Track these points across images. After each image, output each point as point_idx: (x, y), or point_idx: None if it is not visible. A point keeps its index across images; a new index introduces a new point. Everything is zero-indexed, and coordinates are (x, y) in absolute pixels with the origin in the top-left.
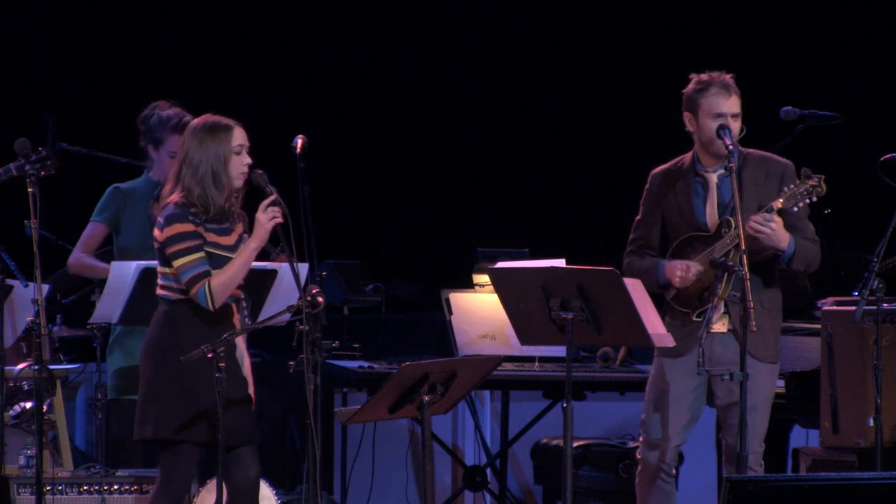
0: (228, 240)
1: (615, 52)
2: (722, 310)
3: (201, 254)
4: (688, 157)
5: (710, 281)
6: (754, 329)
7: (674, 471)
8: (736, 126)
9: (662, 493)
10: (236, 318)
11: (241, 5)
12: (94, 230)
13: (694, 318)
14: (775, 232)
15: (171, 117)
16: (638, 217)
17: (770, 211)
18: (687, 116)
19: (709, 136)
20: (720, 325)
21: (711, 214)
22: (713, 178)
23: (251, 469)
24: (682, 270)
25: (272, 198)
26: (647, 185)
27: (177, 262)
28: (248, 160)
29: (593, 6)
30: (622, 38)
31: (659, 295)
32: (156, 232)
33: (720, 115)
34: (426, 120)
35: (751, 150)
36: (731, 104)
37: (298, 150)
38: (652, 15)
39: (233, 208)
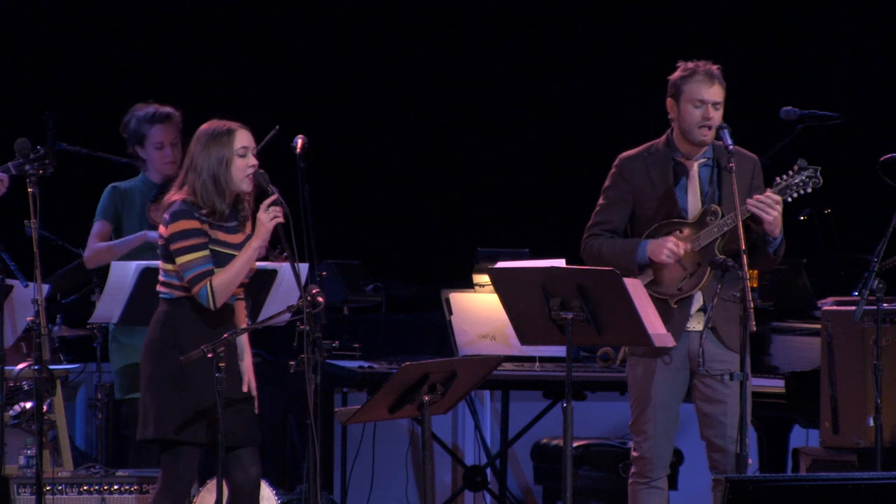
0: (236, 238)
1: (616, 52)
2: (699, 304)
3: (205, 252)
4: (660, 142)
5: (692, 268)
6: (754, 329)
7: (668, 469)
8: (717, 116)
9: (656, 489)
10: (241, 317)
11: (242, 5)
12: (101, 228)
13: (672, 306)
14: (778, 217)
15: (148, 112)
16: (602, 202)
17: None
18: (669, 103)
19: (688, 124)
20: (695, 323)
21: (694, 202)
22: (694, 167)
23: (252, 469)
24: (671, 245)
25: (273, 197)
26: (616, 171)
27: (180, 259)
28: (254, 162)
29: (594, 6)
30: (623, 38)
31: None
32: (161, 228)
33: (702, 102)
34: (426, 120)
35: (720, 143)
36: (713, 92)
37: (298, 150)
38: (652, 16)
39: (243, 212)
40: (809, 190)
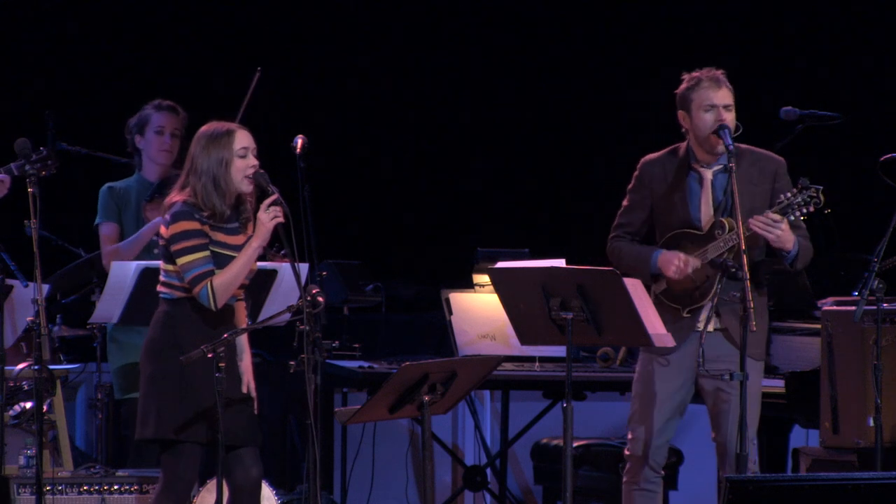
0: (237, 239)
1: (616, 52)
2: (708, 312)
3: (206, 253)
4: (682, 148)
5: (702, 279)
6: (754, 329)
7: (662, 470)
8: (730, 117)
9: (647, 491)
10: (241, 317)
11: (242, 5)
12: (111, 230)
13: (684, 315)
14: (783, 235)
15: (155, 102)
16: (625, 204)
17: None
18: (681, 115)
19: (704, 131)
20: (708, 325)
21: (706, 212)
22: (708, 175)
23: (252, 469)
24: (679, 262)
25: (274, 197)
26: (637, 174)
27: (181, 260)
28: (254, 162)
29: (594, 6)
30: (623, 38)
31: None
32: (161, 228)
33: (712, 107)
34: (426, 120)
35: (743, 146)
36: (721, 96)
37: (298, 150)
38: (652, 16)
39: (245, 213)
40: (812, 209)
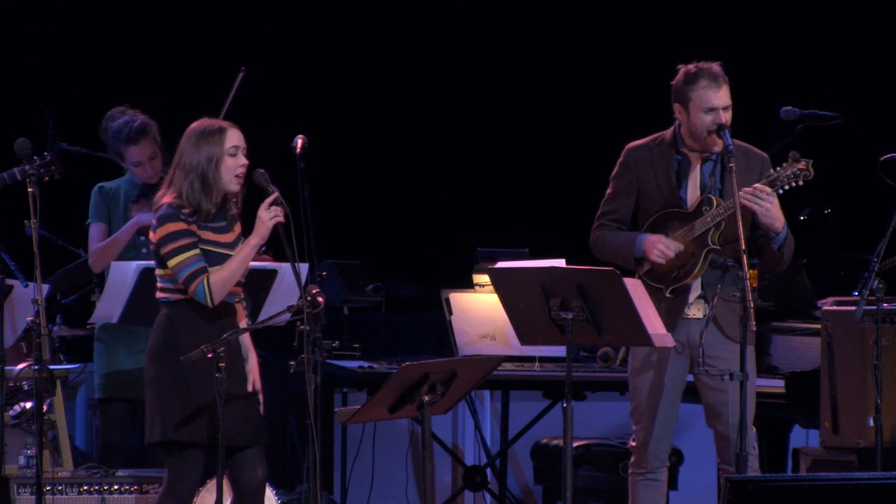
0: (226, 237)
1: (616, 52)
2: (698, 293)
3: (196, 251)
4: (667, 134)
5: (686, 258)
6: (754, 329)
7: (667, 461)
8: (727, 117)
9: (653, 481)
10: (242, 318)
11: (241, 5)
12: (99, 230)
13: (667, 295)
14: (772, 208)
15: (121, 129)
16: (609, 191)
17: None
18: (677, 108)
19: (702, 130)
20: (696, 311)
21: (693, 192)
22: (696, 159)
23: (257, 470)
24: (662, 246)
25: (274, 196)
26: (622, 160)
27: (172, 262)
28: (244, 161)
29: (594, 6)
30: (622, 38)
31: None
32: (150, 234)
33: (712, 110)
34: (426, 120)
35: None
36: (721, 96)
37: (298, 150)
38: (652, 16)
39: (230, 212)
40: (801, 182)
